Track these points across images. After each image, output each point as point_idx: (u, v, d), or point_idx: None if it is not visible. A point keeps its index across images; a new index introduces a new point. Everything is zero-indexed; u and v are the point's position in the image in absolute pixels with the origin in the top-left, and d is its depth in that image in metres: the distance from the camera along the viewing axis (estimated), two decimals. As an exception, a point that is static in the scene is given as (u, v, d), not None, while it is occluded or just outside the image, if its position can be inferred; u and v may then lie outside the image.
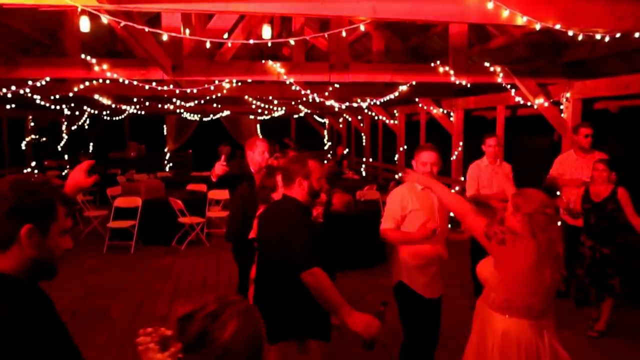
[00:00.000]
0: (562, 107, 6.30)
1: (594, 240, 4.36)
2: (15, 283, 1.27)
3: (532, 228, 2.34)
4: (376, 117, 12.56)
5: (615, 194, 4.27)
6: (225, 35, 5.32)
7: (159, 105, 11.83)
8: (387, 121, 11.99)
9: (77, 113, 13.96)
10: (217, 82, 6.95)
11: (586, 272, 4.37)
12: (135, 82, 6.83)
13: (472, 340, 2.62)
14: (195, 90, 7.35)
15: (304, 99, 9.11)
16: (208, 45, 5.06)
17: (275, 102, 11.08)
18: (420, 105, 9.62)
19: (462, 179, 8.83)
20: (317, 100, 8.57)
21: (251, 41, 4.44)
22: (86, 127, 15.96)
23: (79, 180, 2.08)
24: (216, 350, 1.01)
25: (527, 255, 2.36)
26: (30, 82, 6.63)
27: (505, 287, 2.40)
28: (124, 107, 12.72)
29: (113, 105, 11.94)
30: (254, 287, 2.80)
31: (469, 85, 6.35)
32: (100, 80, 7.49)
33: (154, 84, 7.04)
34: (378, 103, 10.03)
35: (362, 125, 14.56)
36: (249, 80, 6.54)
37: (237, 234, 4.02)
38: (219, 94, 8.29)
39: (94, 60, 5.27)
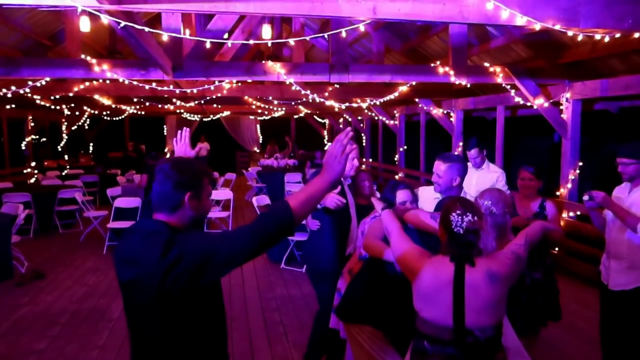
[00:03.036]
0: (562, 107, 6.31)
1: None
2: (183, 229, 1.78)
3: None
4: (376, 118, 12.57)
5: (544, 209, 3.58)
6: (226, 36, 5.33)
7: (159, 106, 11.83)
8: (387, 121, 12.00)
9: (77, 113, 13.96)
10: (217, 82, 6.95)
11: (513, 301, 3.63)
12: (135, 83, 6.84)
13: None
14: (195, 91, 7.35)
15: (304, 99, 9.12)
16: (208, 45, 5.06)
17: (275, 102, 11.09)
18: (420, 105, 9.62)
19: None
20: (317, 100, 8.58)
21: (251, 41, 4.44)
22: (86, 127, 15.97)
23: (186, 152, 2.44)
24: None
25: None
26: (30, 83, 6.63)
27: None
28: (123, 107, 12.73)
29: (113, 106, 11.95)
30: None
31: (468, 86, 6.35)
32: (100, 81, 7.51)
33: (153, 84, 7.05)
34: (378, 103, 10.03)
35: (362, 125, 14.56)
36: (249, 81, 6.54)
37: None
38: (219, 95, 8.30)
39: (94, 61, 5.28)
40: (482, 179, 4.91)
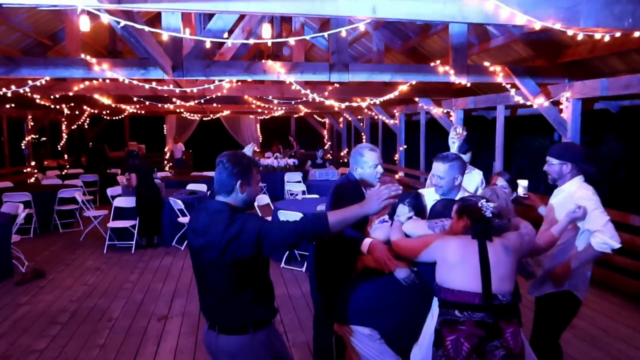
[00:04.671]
0: (562, 107, 6.30)
1: None
2: (238, 209, 2.24)
3: None
4: (376, 117, 12.56)
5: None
6: (225, 35, 5.33)
7: (159, 105, 11.84)
8: (387, 121, 12.00)
9: (77, 113, 13.95)
10: (217, 81, 6.95)
11: None
12: (135, 82, 6.84)
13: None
14: (195, 90, 7.35)
15: (304, 98, 9.11)
16: (208, 45, 5.07)
17: (275, 101, 11.08)
18: (420, 104, 9.62)
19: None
20: (317, 99, 8.57)
21: (251, 41, 4.44)
22: (86, 126, 15.96)
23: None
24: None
25: None
26: (30, 82, 6.62)
27: None
28: (123, 106, 12.72)
29: (113, 105, 11.94)
30: None
31: (469, 85, 6.35)
32: (100, 80, 7.50)
33: (153, 83, 7.05)
34: (378, 102, 10.02)
35: (362, 124, 14.56)
36: (249, 80, 6.54)
37: None
38: (219, 94, 8.30)
39: (93, 60, 5.28)
40: (469, 181, 4.79)
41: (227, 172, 2.21)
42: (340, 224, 2.11)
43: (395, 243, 2.66)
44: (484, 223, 2.37)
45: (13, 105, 10.66)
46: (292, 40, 4.20)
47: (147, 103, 11.43)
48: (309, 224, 2.10)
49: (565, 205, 3.03)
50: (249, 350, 2.23)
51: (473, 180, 4.69)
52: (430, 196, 3.18)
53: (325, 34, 3.82)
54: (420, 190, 3.35)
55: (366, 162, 3.11)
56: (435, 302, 2.56)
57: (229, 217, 2.12)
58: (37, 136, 13.12)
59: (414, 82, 7.40)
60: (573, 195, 3.02)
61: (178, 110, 14.41)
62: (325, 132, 19.04)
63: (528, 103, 6.52)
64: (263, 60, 6.02)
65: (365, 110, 12.11)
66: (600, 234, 2.89)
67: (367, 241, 2.85)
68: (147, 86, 6.94)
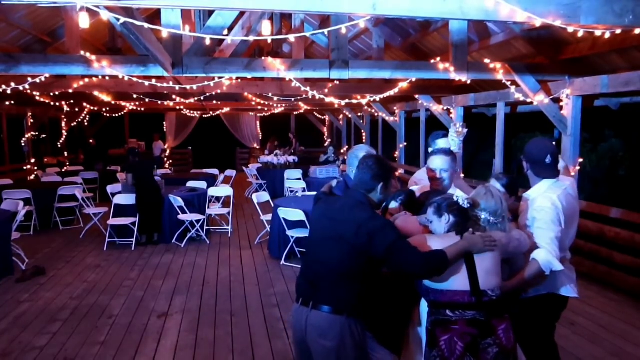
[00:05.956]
0: (562, 104, 6.30)
1: None
2: (375, 205, 2.47)
3: None
4: (376, 114, 12.56)
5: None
6: (225, 32, 5.32)
7: (159, 102, 11.83)
8: (387, 118, 11.99)
9: (76, 110, 13.95)
10: (216, 78, 6.94)
11: None
12: (134, 79, 6.83)
13: None
14: (194, 87, 7.34)
15: (304, 95, 9.11)
16: (208, 42, 5.05)
17: (275, 99, 11.08)
18: (420, 102, 9.61)
19: (462, 176, 8.82)
20: (317, 97, 8.57)
21: (251, 37, 4.42)
22: (86, 123, 15.96)
23: None
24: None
25: None
26: (29, 79, 6.62)
27: None
28: (123, 104, 12.72)
29: (113, 102, 11.94)
30: None
31: (469, 82, 6.34)
32: (100, 77, 7.50)
33: (153, 81, 7.04)
34: (378, 100, 10.02)
35: (362, 122, 14.56)
36: (249, 77, 6.53)
37: None
38: (219, 91, 8.29)
39: (93, 57, 5.27)
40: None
41: (372, 174, 2.43)
42: (454, 260, 2.28)
43: None
44: (464, 215, 2.42)
45: (13, 102, 10.66)
46: (292, 37, 4.17)
47: (146, 100, 11.43)
48: (434, 259, 2.24)
49: (528, 217, 2.73)
50: (339, 329, 2.33)
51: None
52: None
53: (325, 31, 3.82)
54: (413, 188, 3.36)
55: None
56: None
57: (372, 209, 2.37)
58: (36, 133, 13.12)
59: (414, 79, 7.40)
60: (534, 205, 2.73)
61: (178, 108, 14.41)
62: (325, 130, 19.03)
63: (528, 100, 6.51)
64: (263, 58, 6.00)
65: (366, 107, 12.10)
66: (545, 251, 2.59)
67: None
68: (146, 83, 6.93)
